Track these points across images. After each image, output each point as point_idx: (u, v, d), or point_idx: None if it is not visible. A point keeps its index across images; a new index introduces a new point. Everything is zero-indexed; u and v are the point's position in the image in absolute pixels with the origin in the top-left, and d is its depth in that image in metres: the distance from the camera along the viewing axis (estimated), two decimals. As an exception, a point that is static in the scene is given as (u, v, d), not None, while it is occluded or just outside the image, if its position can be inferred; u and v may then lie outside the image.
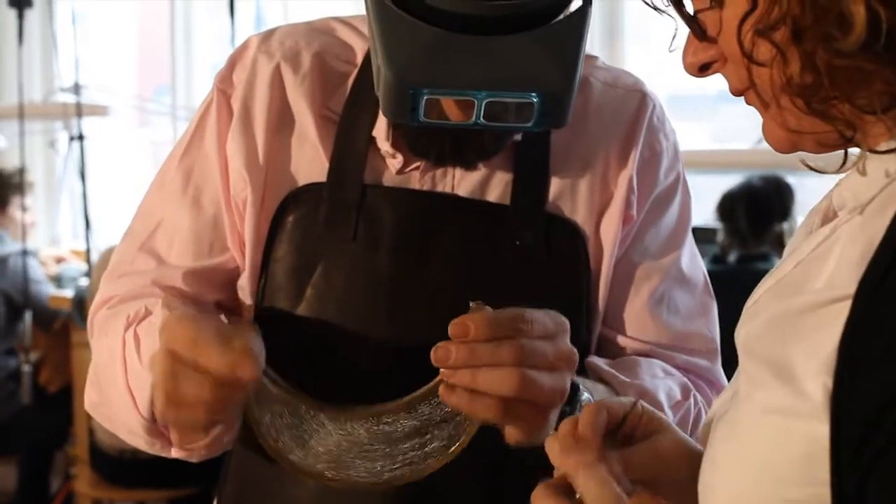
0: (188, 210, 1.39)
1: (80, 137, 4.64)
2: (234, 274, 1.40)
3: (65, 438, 4.58)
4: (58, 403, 4.49)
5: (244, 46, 1.43)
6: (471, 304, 1.14)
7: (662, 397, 1.35)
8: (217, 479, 1.49)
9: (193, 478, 3.84)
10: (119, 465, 4.04)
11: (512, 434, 1.18)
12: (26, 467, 4.62)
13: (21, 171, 4.99)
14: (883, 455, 0.76)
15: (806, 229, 0.99)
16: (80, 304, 4.23)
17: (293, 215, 1.35)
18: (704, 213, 4.41)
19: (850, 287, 0.81)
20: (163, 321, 1.18)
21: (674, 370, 1.41)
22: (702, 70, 0.95)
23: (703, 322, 1.46)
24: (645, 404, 1.07)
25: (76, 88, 4.74)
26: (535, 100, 1.13)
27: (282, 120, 1.38)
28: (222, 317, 1.31)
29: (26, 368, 4.30)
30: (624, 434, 1.06)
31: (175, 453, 1.33)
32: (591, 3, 1.18)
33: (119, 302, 1.41)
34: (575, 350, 1.18)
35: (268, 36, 1.43)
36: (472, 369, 1.12)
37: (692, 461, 1.02)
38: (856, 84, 0.83)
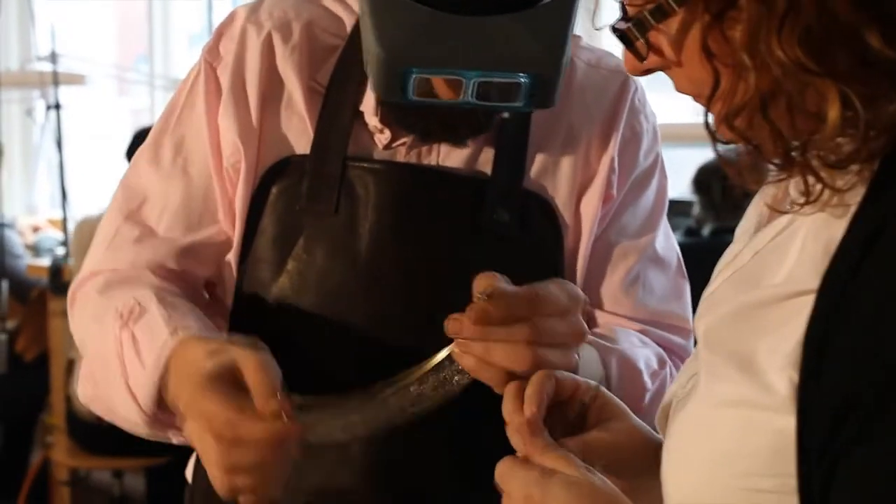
0: (178, 181, 1.39)
1: (57, 106, 4.61)
2: (224, 248, 1.40)
3: (41, 407, 4.57)
4: (34, 372, 4.48)
5: (231, 17, 1.43)
6: (478, 294, 1.12)
7: (641, 365, 1.37)
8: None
9: (169, 446, 3.83)
10: (96, 433, 4.04)
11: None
12: (6, 437, 4.61)
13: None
14: (848, 449, 0.77)
15: (756, 211, 0.99)
16: (57, 273, 4.22)
17: (277, 187, 1.36)
18: (682, 186, 4.42)
19: (813, 282, 0.82)
20: (185, 399, 1.18)
21: (649, 341, 1.43)
22: (645, 73, 0.96)
23: (677, 303, 1.49)
24: (604, 390, 1.09)
25: (53, 57, 4.71)
26: (523, 80, 1.15)
27: (272, 90, 1.38)
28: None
29: (2, 337, 4.28)
30: (580, 418, 1.07)
31: (178, 440, 1.34)
32: None
33: (106, 283, 1.39)
34: (585, 325, 1.19)
35: (256, 7, 1.42)
36: (486, 343, 1.12)
37: (648, 448, 1.04)
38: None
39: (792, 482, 0.81)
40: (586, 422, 1.08)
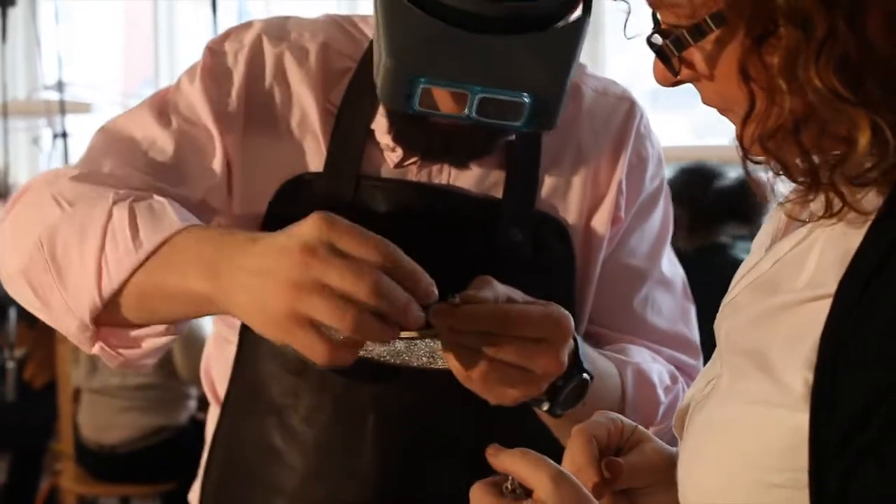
0: (170, 136, 1.36)
1: (64, 135, 4.64)
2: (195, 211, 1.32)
3: (50, 434, 4.58)
4: (43, 399, 4.49)
5: (247, 25, 1.44)
6: (450, 297, 1.13)
7: (655, 379, 1.39)
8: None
9: (176, 473, 3.85)
10: (104, 460, 4.06)
11: (501, 395, 1.18)
12: (15, 464, 4.62)
13: (4, 173, 4.98)
14: (868, 454, 0.79)
15: (773, 226, 1.02)
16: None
17: (288, 204, 1.37)
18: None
19: (831, 286, 0.84)
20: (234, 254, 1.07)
21: (660, 358, 1.46)
22: (674, 85, 0.98)
23: (684, 324, 1.51)
24: (624, 418, 1.10)
25: (59, 86, 4.75)
26: (526, 100, 1.17)
27: (282, 108, 1.39)
28: None
29: (11, 365, 4.29)
30: (614, 447, 1.09)
31: (98, 349, 1.25)
32: (589, 14, 1.21)
33: (81, 174, 1.31)
34: (564, 358, 1.18)
35: (273, 22, 1.44)
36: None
37: (671, 463, 1.06)
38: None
39: (803, 477, 0.83)
40: (620, 448, 1.10)
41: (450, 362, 1.14)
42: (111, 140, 1.36)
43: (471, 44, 1.16)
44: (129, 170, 1.31)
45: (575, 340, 1.22)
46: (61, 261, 1.20)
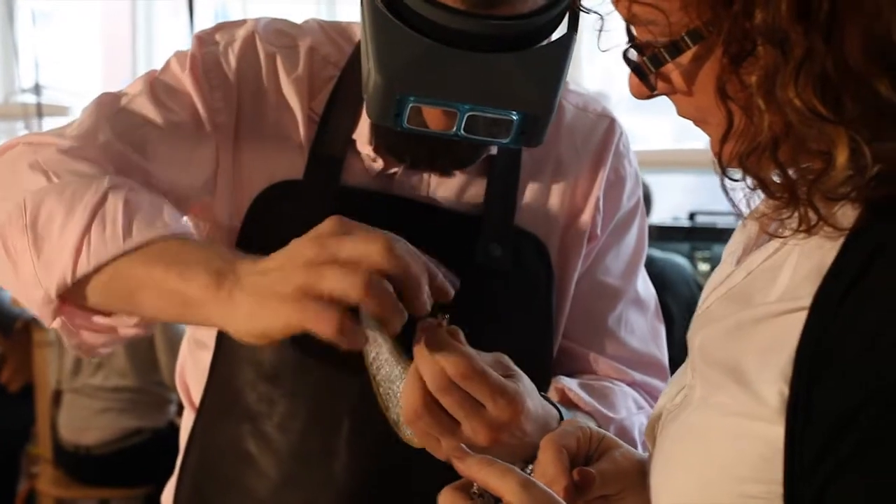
0: (164, 121, 1.35)
1: (41, 137, 4.62)
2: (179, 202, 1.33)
3: (27, 438, 4.56)
4: (20, 403, 4.48)
5: (240, 21, 1.44)
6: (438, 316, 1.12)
7: (636, 434, 1.40)
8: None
9: (153, 476, 3.84)
10: (82, 463, 4.05)
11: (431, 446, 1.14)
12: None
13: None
14: (845, 465, 0.79)
15: (745, 235, 1.02)
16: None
17: (268, 211, 1.37)
18: (663, 211, 4.45)
19: (806, 300, 0.85)
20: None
21: (644, 403, 1.46)
22: (650, 98, 0.98)
23: (655, 345, 1.53)
24: (592, 426, 1.11)
25: (37, 89, 4.73)
26: (514, 117, 1.18)
27: (272, 110, 1.39)
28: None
29: (-14, 370, 4.28)
30: (586, 456, 1.10)
31: (59, 324, 1.23)
32: (576, 31, 1.22)
33: (71, 149, 1.28)
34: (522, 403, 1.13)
35: (265, 22, 1.44)
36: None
37: (641, 469, 1.06)
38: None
39: (779, 489, 0.84)
40: (591, 457, 1.10)
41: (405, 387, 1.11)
42: (107, 114, 1.34)
43: (459, 62, 1.16)
44: (122, 146, 1.30)
45: (558, 409, 1.21)
46: (41, 230, 1.19)
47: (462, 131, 1.19)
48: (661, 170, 4.63)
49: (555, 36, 1.23)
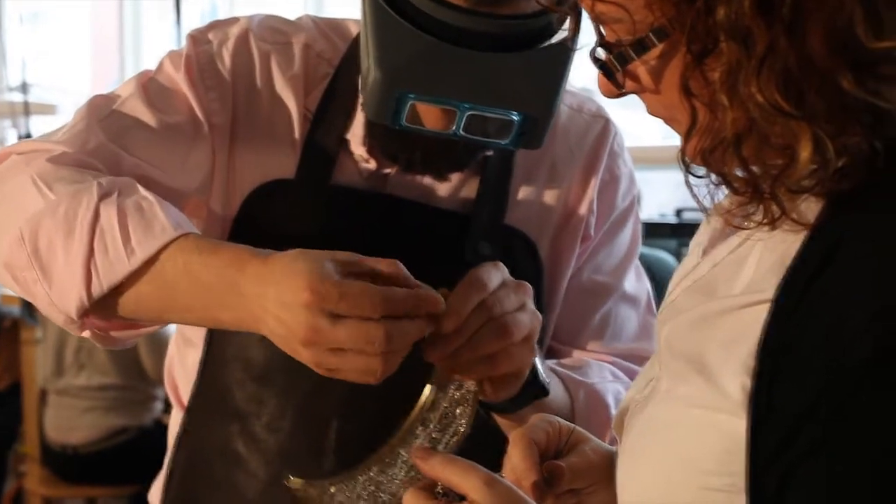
0: (158, 122, 1.34)
1: (28, 136, 4.61)
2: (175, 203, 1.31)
3: (14, 437, 4.55)
4: (7, 401, 4.47)
5: (233, 19, 1.42)
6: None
7: (610, 399, 1.39)
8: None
9: (140, 474, 3.83)
10: (70, 462, 4.04)
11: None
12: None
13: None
14: (805, 457, 0.80)
15: (711, 228, 1.02)
16: (29, 302, 4.20)
17: (259, 209, 1.36)
18: (652, 208, 4.46)
19: (769, 292, 0.85)
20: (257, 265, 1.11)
21: (622, 375, 1.46)
22: (619, 97, 0.98)
23: (646, 340, 1.52)
24: (561, 420, 1.11)
25: (24, 87, 4.72)
26: (515, 118, 1.17)
27: (267, 108, 1.38)
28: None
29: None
30: (556, 450, 1.10)
31: (88, 335, 1.26)
32: (579, 32, 1.21)
33: (62, 157, 1.26)
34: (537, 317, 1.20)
35: (258, 19, 1.42)
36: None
37: (611, 462, 1.06)
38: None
39: (741, 482, 0.84)
40: (561, 452, 1.10)
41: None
42: (98, 117, 1.33)
43: (460, 60, 1.16)
44: (115, 149, 1.29)
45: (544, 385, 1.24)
46: (45, 257, 1.18)
47: (461, 131, 1.18)
48: (648, 166, 4.63)
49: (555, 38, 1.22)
